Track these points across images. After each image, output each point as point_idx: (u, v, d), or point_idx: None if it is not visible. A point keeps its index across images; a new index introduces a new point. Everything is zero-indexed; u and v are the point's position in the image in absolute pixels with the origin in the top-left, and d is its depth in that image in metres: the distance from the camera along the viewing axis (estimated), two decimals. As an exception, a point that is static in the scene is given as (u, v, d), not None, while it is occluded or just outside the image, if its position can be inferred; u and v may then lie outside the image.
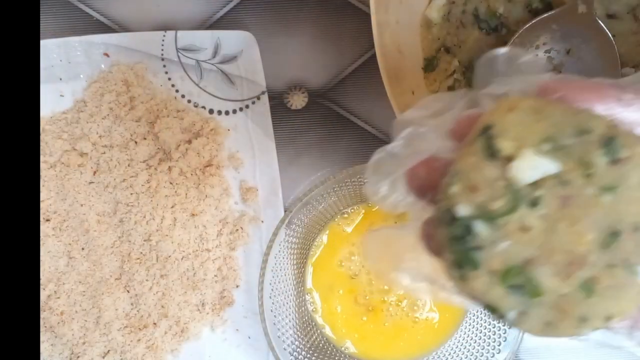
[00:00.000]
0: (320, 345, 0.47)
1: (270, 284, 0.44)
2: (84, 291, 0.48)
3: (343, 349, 0.47)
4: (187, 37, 0.48)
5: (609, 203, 0.20)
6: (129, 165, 0.48)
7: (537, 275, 0.20)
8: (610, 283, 0.20)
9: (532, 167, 0.20)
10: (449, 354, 0.46)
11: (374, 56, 0.36)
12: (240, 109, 0.49)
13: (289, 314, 0.45)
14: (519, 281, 0.20)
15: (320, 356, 0.46)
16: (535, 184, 0.20)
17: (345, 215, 0.48)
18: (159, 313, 0.48)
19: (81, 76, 0.49)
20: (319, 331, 0.47)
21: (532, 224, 0.20)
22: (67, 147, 0.48)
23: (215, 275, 0.48)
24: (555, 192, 0.20)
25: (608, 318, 0.21)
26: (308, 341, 0.46)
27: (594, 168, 0.20)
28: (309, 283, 0.48)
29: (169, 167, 0.48)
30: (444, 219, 0.21)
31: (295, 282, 0.47)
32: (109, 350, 0.48)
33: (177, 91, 0.49)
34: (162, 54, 0.48)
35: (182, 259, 0.48)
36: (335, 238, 0.48)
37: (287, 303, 0.46)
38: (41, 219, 0.48)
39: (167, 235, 0.47)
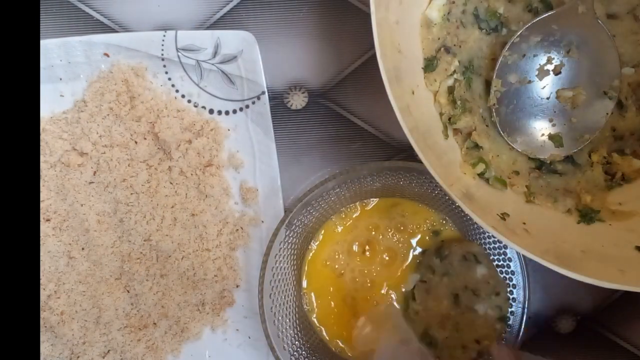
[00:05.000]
0: (320, 345, 0.47)
1: (270, 284, 0.44)
2: (84, 291, 0.48)
3: (334, 349, 0.47)
4: (187, 37, 0.48)
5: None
6: (129, 165, 0.48)
7: (432, 333, 0.44)
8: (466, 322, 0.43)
9: None
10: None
11: (374, 56, 0.36)
12: (240, 109, 0.49)
13: (289, 314, 0.45)
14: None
15: (320, 356, 0.46)
16: None
17: (343, 215, 0.48)
18: (159, 313, 0.48)
19: (81, 76, 0.49)
20: (315, 330, 0.47)
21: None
22: (67, 147, 0.48)
23: (215, 275, 0.48)
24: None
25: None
26: (307, 341, 0.46)
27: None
28: (304, 283, 0.48)
29: (169, 167, 0.48)
30: None
31: (295, 282, 0.47)
32: (109, 350, 0.48)
33: (177, 91, 0.49)
34: (162, 54, 0.48)
35: (182, 258, 0.48)
36: (328, 237, 0.48)
37: (287, 303, 0.46)
38: (41, 219, 0.48)
39: (167, 235, 0.47)
